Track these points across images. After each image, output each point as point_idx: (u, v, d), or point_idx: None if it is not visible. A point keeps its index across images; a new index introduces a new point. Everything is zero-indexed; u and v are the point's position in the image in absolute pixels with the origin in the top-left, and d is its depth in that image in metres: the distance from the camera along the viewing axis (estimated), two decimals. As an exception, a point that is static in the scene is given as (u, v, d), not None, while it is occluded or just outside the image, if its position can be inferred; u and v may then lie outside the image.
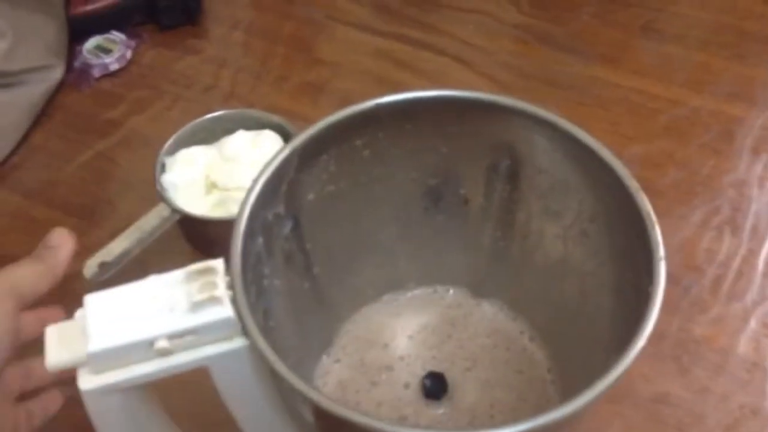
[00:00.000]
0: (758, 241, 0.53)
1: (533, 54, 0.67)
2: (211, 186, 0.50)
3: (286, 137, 0.52)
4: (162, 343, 0.26)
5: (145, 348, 0.27)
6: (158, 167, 0.50)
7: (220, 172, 0.50)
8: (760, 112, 0.61)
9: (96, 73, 0.64)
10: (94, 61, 0.64)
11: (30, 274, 0.33)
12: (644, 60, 0.66)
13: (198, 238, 0.50)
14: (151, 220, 0.46)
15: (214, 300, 0.27)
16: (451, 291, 0.42)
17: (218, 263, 0.28)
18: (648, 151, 0.58)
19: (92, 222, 0.55)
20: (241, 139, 0.52)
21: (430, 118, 0.35)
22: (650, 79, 0.64)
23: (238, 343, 0.28)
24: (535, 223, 0.37)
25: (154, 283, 0.28)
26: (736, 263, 0.51)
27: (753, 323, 0.48)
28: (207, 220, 0.47)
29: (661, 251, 0.28)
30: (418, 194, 0.38)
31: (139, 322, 0.27)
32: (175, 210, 0.47)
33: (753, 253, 0.52)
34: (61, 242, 0.34)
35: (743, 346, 0.47)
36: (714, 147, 0.59)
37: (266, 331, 0.30)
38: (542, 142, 0.33)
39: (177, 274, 0.28)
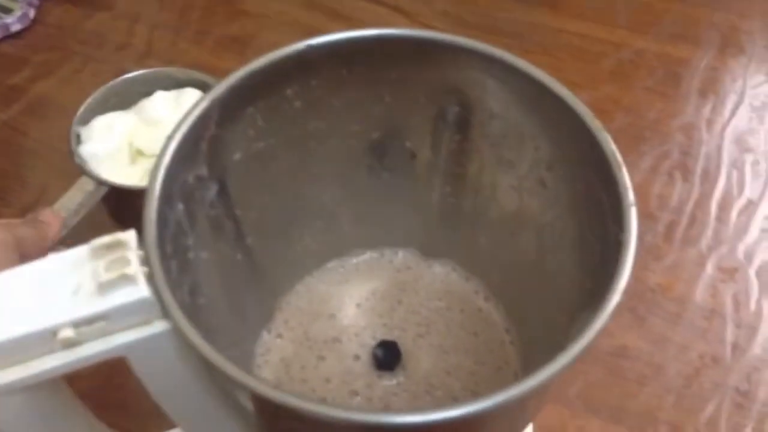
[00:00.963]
0: (710, 185, 0.51)
1: (472, 1, 0.64)
2: (137, 154, 0.46)
3: None
4: (66, 333, 0.22)
5: (47, 339, 0.23)
6: (73, 138, 0.45)
7: (143, 137, 0.46)
8: (704, 53, 0.60)
9: (-5, 34, 0.58)
10: (-9, 21, 0.58)
11: (30, 237, 0.32)
12: (586, 3, 0.64)
13: (127, 214, 0.44)
14: (75, 196, 0.41)
15: (125, 279, 0.23)
16: (400, 253, 0.39)
17: (129, 235, 0.24)
18: (594, 98, 0.56)
19: (1, 200, 0.50)
20: (161, 100, 0.47)
21: (369, 62, 0.31)
22: (593, 23, 0.62)
23: (159, 327, 0.24)
24: (487, 175, 0.34)
25: (54, 263, 0.23)
26: (689, 208, 0.50)
27: (709, 269, 0.47)
28: (139, 190, 0.42)
29: (631, 196, 0.25)
30: (360, 150, 0.34)
31: (37, 310, 0.23)
32: (101, 182, 0.42)
33: (705, 197, 0.50)
34: (51, 221, 0.35)
35: (700, 293, 0.46)
36: (660, 90, 0.57)
37: (193, 311, 0.26)
38: (494, 84, 0.30)
39: (80, 251, 0.23)
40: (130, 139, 0.46)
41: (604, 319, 0.22)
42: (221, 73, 0.51)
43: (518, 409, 0.26)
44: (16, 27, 0.59)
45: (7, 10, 0.59)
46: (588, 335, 0.22)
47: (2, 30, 0.58)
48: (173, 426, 0.29)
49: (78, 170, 0.43)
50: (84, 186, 0.42)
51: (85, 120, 0.46)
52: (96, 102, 0.47)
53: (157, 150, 0.46)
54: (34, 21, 0.60)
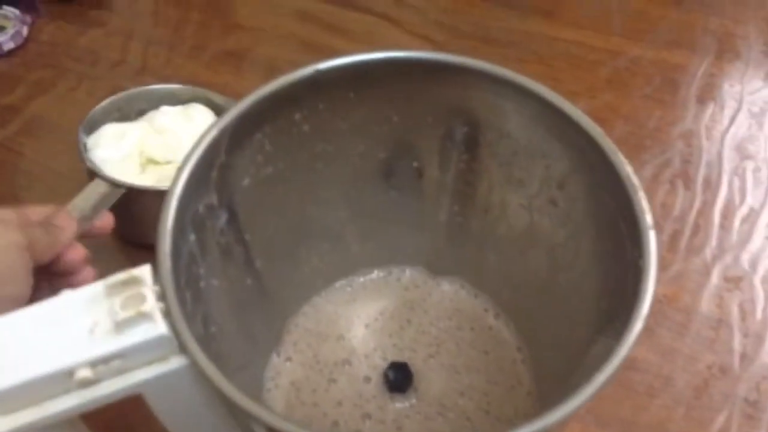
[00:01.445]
0: (712, 193, 0.51)
1: (466, 10, 0.64)
2: (147, 162, 0.45)
3: (217, 110, 0.47)
4: (84, 373, 0.22)
5: (64, 379, 0.22)
6: (81, 145, 0.44)
7: (154, 145, 0.45)
8: (701, 59, 0.60)
9: (-12, 53, 0.57)
10: (-16, 40, 0.57)
11: (43, 241, 0.31)
12: (580, 11, 0.64)
13: (137, 222, 0.43)
14: (89, 198, 0.40)
15: (142, 316, 0.22)
16: (408, 272, 0.39)
17: (144, 271, 0.23)
18: (592, 106, 0.56)
19: (-4, 222, 0.49)
20: (170, 112, 0.47)
21: (376, 84, 0.31)
22: (588, 30, 0.62)
23: (176, 363, 0.23)
24: (496, 194, 0.34)
25: (69, 301, 0.23)
26: (691, 217, 0.50)
27: (714, 278, 0.47)
28: (156, 191, 0.41)
29: (649, 219, 0.25)
30: (367, 170, 0.34)
31: (53, 350, 0.22)
32: (116, 184, 0.41)
33: (708, 205, 0.50)
34: (65, 225, 0.33)
35: (706, 303, 0.46)
36: (658, 98, 0.57)
37: (206, 341, 0.26)
38: (503, 104, 0.30)
39: (95, 288, 0.23)
40: (141, 148, 0.45)
41: (628, 346, 0.22)
42: (219, 89, 0.51)
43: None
44: (9, 45, 0.58)
45: (0, 29, 0.58)
46: (613, 363, 0.22)
47: (-5, 49, 0.58)
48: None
49: (77, 184, 0.41)
50: (97, 188, 0.41)
51: (90, 130, 0.46)
52: (98, 115, 0.47)
53: (169, 157, 0.47)
54: (27, 39, 0.59)
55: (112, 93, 0.47)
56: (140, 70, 0.58)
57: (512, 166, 0.32)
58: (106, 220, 0.37)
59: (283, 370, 0.36)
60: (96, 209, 0.39)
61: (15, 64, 0.58)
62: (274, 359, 0.36)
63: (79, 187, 0.42)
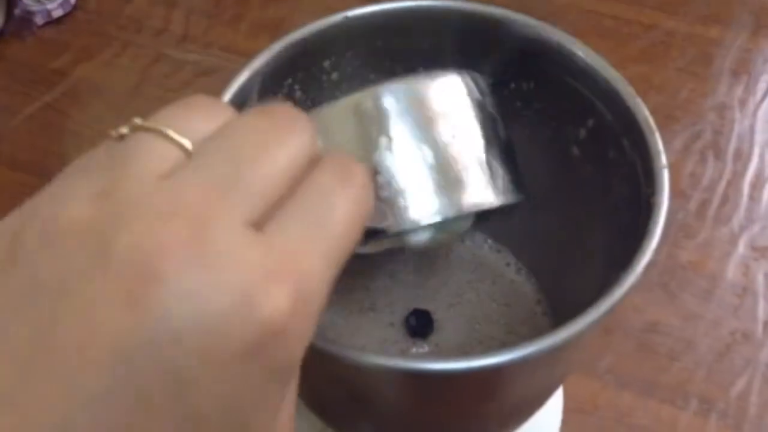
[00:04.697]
0: (742, 164, 0.51)
1: (502, -17, 0.64)
2: None
3: None
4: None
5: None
6: None
7: None
8: (736, 33, 0.59)
9: (38, 20, 0.60)
10: (35, 7, 0.60)
11: None
12: (616, -16, 0.64)
13: None
14: None
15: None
16: (432, 226, 0.40)
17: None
18: (625, 77, 0.56)
19: (43, 178, 0.51)
20: None
21: (406, 34, 0.32)
22: (623, 4, 0.62)
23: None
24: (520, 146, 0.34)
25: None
26: (721, 187, 0.50)
27: (741, 247, 0.47)
28: None
29: (663, 159, 0.25)
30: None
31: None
32: None
33: (737, 176, 0.50)
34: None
35: (732, 270, 0.46)
36: (691, 71, 0.57)
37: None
38: (533, 55, 0.30)
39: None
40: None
41: (636, 275, 0.23)
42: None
43: (551, 362, 0.26)
44: (57, 13, 0.61)
45: (49, -3, 0.61)
46: (619, 291, 0.23)
47: (44, 15, 0.60)
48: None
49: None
50: None
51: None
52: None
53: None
54: (75, 7, 0.62)
55: (155, 60, 0.49)
56: (182, 38, 0.60)
57: (535, 119, 0.33)
58: None
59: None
60: None
61: (63, 31, 0.60)
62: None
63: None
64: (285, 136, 0.18)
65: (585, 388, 0.42)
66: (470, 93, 0.27)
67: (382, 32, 0.31)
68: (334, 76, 0.32)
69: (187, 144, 0.17)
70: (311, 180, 0.18)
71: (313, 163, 0.18)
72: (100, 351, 0.15)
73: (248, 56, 0.50)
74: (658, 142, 0.26)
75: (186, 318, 0.15)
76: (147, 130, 0.18)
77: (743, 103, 0.55)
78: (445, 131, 0.25)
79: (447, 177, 0.25)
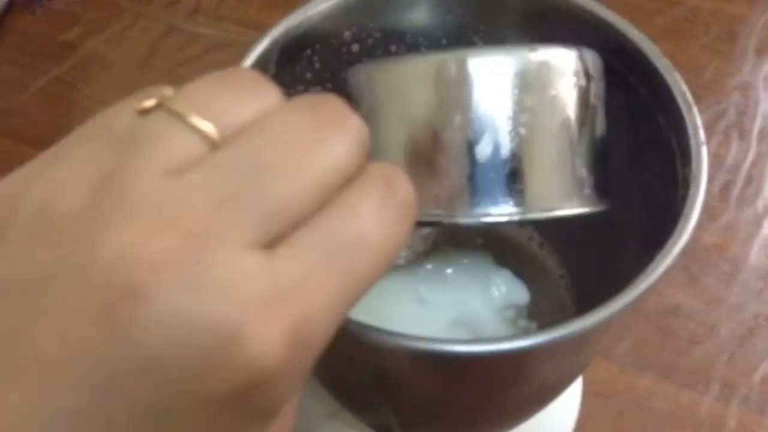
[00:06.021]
0: (767, 144, 0.50)
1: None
2: None
3: None
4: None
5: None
6: None
7: None
8: (762, 10, 0.58)
9: (47, -8, 0.59)
10: (44, -21, 0.59)
11: None
12: (639, -40, 0.62)
13: None
14: None
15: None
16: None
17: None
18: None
19: (53, 152, 0.50)
20: None
21: (426, 7, 0.31)
22: (646, -20, 0.60)
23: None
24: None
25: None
26: (745, 168, 0.49)
27: (765, 230, 0.46)
28: None
29: (702, 135, 0.24)
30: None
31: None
32: None
33: (762, 156, 0.49)
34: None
35: (755, 253, 0.45)
36: (715, 48, 0.56)
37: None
38: (566, 32, 0.29)
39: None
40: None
41: (674, 256, 0.22)
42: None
43: (580, 346, 0.26)
44: (67, -16, 0.59)
45: (58, -32, 0.60)
46: (656, 272, 0.22)
47: (54, -13, 0.59)
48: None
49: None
50: None
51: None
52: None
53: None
54: (85, -21, 0.60)
55: (166, 33, 0.48)
56: (193, 10, 0.59)
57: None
58: None
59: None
60: None
61: (72, 3, 0.59)
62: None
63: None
64: (327, 142, 0.15)
65: (604, 372, 0.41)
66: (577, 75, 0.23)
67: (405, 3, 0.30)
68: (354, 47, 0.31)
69: (213, 133, 0.15)
70: (346, 197, 0.15)
71: (357, 172, 0.16)
72: (67, 366, 0.13)
73: (261, 30, 0.49)
74: (697, 118, 0.25)
75: (163, 348, 0.13)
76: (171, 113, 0.15)
77: (768, 82, 0.53)
78: (534, 118, 0.22)
79: (527, 173, 0.22)
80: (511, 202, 0.22)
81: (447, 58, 0.22)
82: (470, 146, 0.22)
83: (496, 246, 0.37)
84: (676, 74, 0.26)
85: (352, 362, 0.25)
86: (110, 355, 0.13)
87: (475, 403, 0.27)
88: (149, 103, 0.16)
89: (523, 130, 0.22)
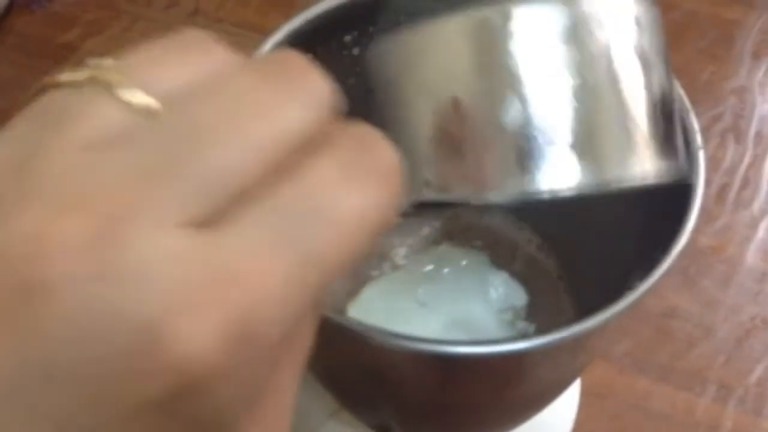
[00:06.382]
0: (763, 148, 0.50)
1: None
2: None
3: None
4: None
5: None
6: None
7: None
8: (758, 15, 0.58)
9: (47, -7, 0.59)
10: (43, -20, 0.59)
11: None
12: (636, -36, 0.63)
13: None
14: None
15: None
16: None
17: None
18: (644, 59, 0.55)
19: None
20: None
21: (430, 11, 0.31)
22: (643, -16, 0.61)
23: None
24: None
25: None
26: (741, 171, 0.49)
27: (761, 232, 0.46)
28: None
29: (699, 139, 0.25)
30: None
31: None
32: None
33: (758, 159, 0.50)
34: None
35: (752, 256, 0.45)
36: (712, 52, 0.56)
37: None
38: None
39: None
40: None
41: (672, 259, 0.22)
42: (268, 33, 0.51)
43: (577, 349, 0.26)
44: (66, -14, 0.60)
45: (58, -30, 0.60)
46: (654, 275, 0.22)
47: (53, -11, 0.59)
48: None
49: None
50: None
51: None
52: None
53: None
54: (84, -20, 0.61)
55: (165, 35, 0.48)
56: (192, 12, 0.59)
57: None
58: None
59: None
60: None
61: (70, 4, 0.59)
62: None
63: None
64: (279, 105, 0.13)
65: (602, 372, 0.41)
66: (638, 24, 0.20)
67: (404, 6, 0.30)
68: (355, 51, 0.32)
69: (147, 103, 0.13)
70: (303, 165, 0.13)
71: (322, 138, 0.13)
72: None
73: (259, 32, 0.49)
74: (694, 122, 0.25)
75: (71, 351, 0.11)
76: (99, 83, 0.13)
77: (764, 86, 0.54)
78: (585, 74, 0.19)
79: (579, 140, 0.19)
80: (583, 171, 0.19)
81: (490, 12, 0.19)
82: (515, 114, 0.19)
83: (495, 247, 0.38)
84: (672, 77, 0.26)
85: (352, 362, 0.26)
86: (9, 360, 0.11)
87: (474, 404, 0.27)
88: (81, 75, 0.14)
89: (571, 91, 0.19)
